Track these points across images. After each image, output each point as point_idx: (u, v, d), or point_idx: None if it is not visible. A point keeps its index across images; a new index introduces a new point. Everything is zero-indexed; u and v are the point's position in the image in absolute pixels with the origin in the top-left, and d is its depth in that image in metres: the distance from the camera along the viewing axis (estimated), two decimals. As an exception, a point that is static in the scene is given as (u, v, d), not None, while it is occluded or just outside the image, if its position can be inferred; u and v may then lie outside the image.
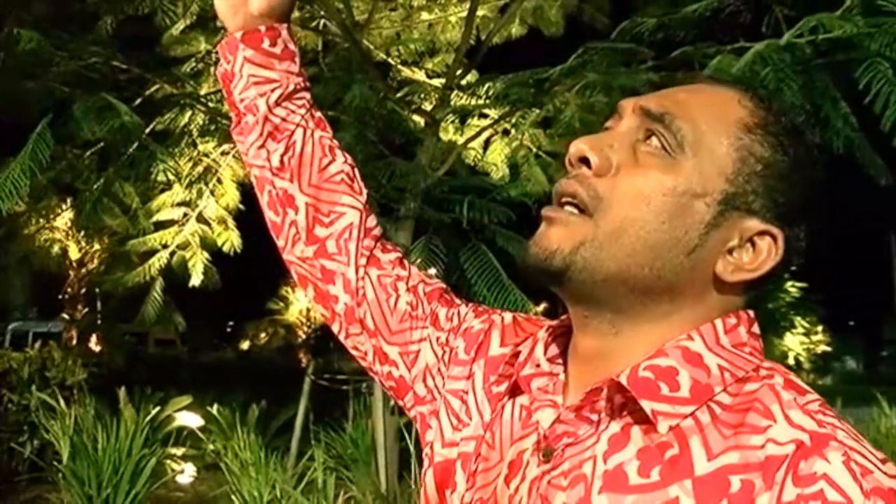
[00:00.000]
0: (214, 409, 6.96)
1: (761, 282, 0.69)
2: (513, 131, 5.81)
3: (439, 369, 0.88)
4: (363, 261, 0.93)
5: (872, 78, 2.75)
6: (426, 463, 0.86)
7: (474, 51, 5.65)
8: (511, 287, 4.16)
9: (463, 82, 5.33)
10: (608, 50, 3.86)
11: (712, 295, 0.68)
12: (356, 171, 0.99)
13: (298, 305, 26.97)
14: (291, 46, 0.96)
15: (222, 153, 5.66)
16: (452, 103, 5.30)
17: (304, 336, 26.73)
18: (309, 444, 6.23)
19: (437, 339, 0.90)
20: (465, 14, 5.74)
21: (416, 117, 5.37)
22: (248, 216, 6.49)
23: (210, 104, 4.84)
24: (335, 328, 0.96)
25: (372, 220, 0.96)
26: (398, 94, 5.28)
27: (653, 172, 0.68)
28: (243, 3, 0.93)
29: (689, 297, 0.68)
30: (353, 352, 0.96)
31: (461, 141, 5.73)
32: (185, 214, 5.92)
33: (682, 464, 0.61)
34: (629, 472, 0.63)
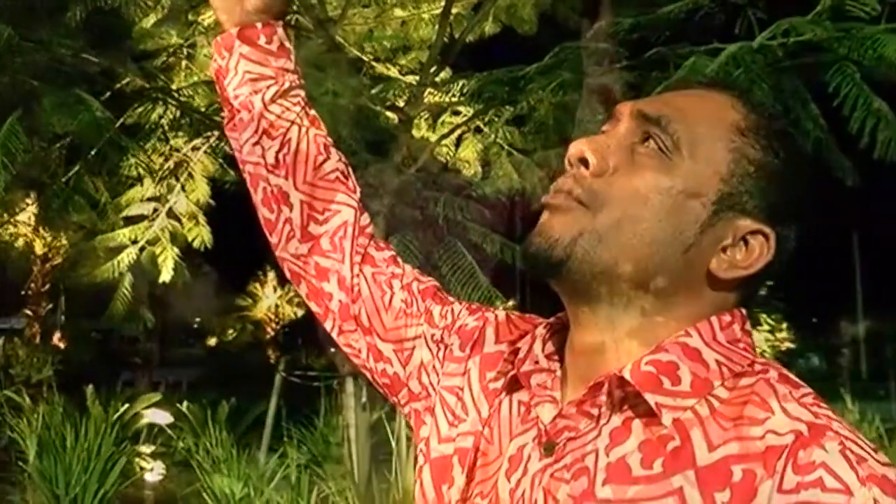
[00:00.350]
0: (184, 406, 6.90)
1: (753, 280, 0.71)
2: (485, 129, 5.83)
3: (434, 366, 0.89)
4: (358, 258, 0.94)
5: (841, 81, 2.82)
6: (421, 459, 0.87)
7: (447, 48, 5.66)
8: (486, 284, 4.18)
9: (437, 79, 5.34)
10: (583, 49, 3.89)
11: (707, 292, 0.70)
12: (350, 168, 1.00)
13: (266, 302, 26.81)
14: (287, 44, 0.96)
15: (193, 148, 5.61)
16: (426, 100, 5.31)
17: (272, 332, 26.60)
18: (278, 441, 6.21)
19: (432, 336, 0.91)
20: (438, 11, 5.74)
21: (389, 114, 5.37)
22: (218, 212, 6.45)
23: (182, 98, 4.79)
24: (328, 325, 0.97)
25: (365, 219, 0.97)
26: (372, 91, 5.27)
27: (650, 173, 0.70)
28: (240, 0, 0.93)
29: (684, 293, 0.70)
30: (346, 349, 0.97)
31: (434, 138, 5.74)
32: (156, 210, 5.85)
33: (684, 455, 0.63)
34: (632, 464, 0.64)
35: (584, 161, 0.72)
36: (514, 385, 0.79)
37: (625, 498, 0.64)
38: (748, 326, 0.72)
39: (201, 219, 6.14)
